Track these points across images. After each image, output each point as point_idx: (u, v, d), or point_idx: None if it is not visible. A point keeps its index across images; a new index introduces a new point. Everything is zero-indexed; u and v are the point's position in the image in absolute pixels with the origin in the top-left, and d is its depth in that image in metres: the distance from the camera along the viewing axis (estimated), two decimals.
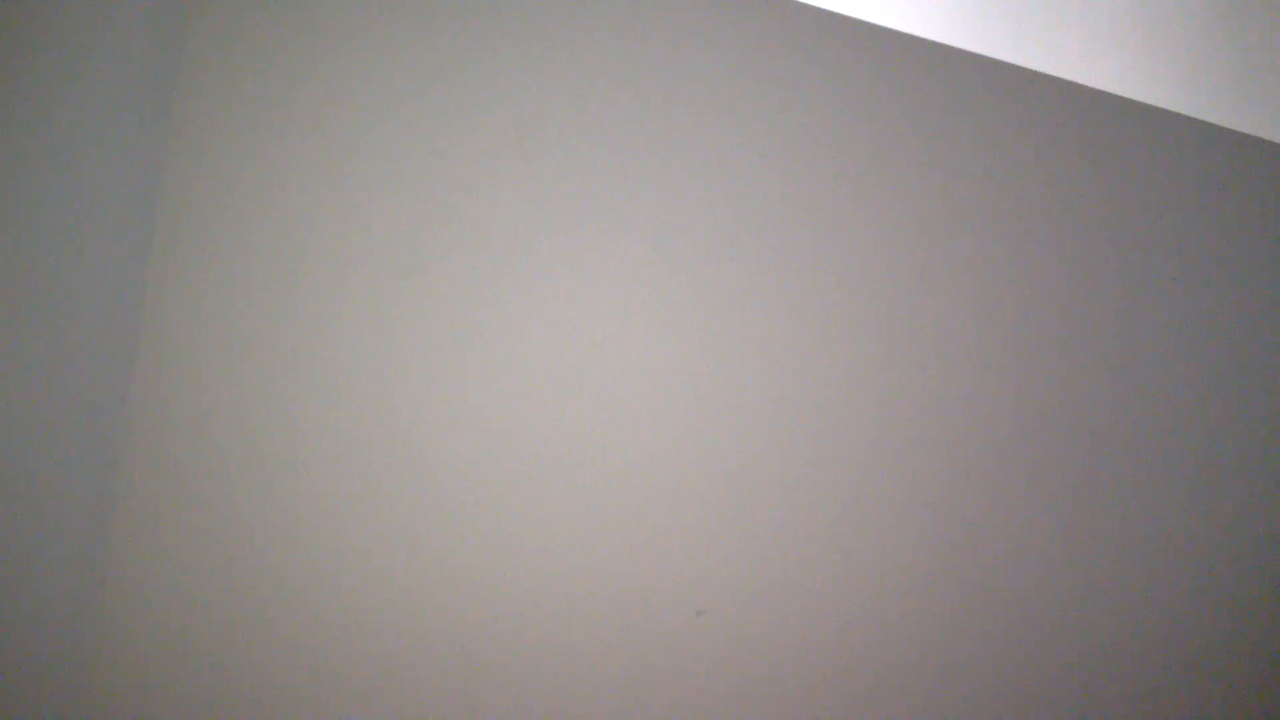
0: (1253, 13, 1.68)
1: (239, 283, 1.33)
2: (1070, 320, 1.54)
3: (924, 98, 1.50)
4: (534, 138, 1.39)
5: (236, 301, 1.33)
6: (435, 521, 1.37)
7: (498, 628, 1.39)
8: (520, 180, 1.39)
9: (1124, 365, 1.56)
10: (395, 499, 1.36)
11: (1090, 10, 1.61)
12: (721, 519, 1.45)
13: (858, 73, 1.48)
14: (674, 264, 1.43)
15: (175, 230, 1.32)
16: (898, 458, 1.50)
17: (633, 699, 1.43)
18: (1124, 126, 1.56)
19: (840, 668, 1.49)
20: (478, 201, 1.38)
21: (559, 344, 1.40)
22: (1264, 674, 1.62)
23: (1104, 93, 1.55)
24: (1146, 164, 1.57)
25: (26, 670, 1.12)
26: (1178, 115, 1.58)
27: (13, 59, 0.91)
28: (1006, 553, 1.53)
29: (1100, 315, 1.55)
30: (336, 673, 1.36)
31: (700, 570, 1.44)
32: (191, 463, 1.32)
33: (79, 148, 1.06)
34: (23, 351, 1.00)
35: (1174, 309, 1.58)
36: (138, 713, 1.31)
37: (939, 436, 1.51)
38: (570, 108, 1.40)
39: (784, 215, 1.46)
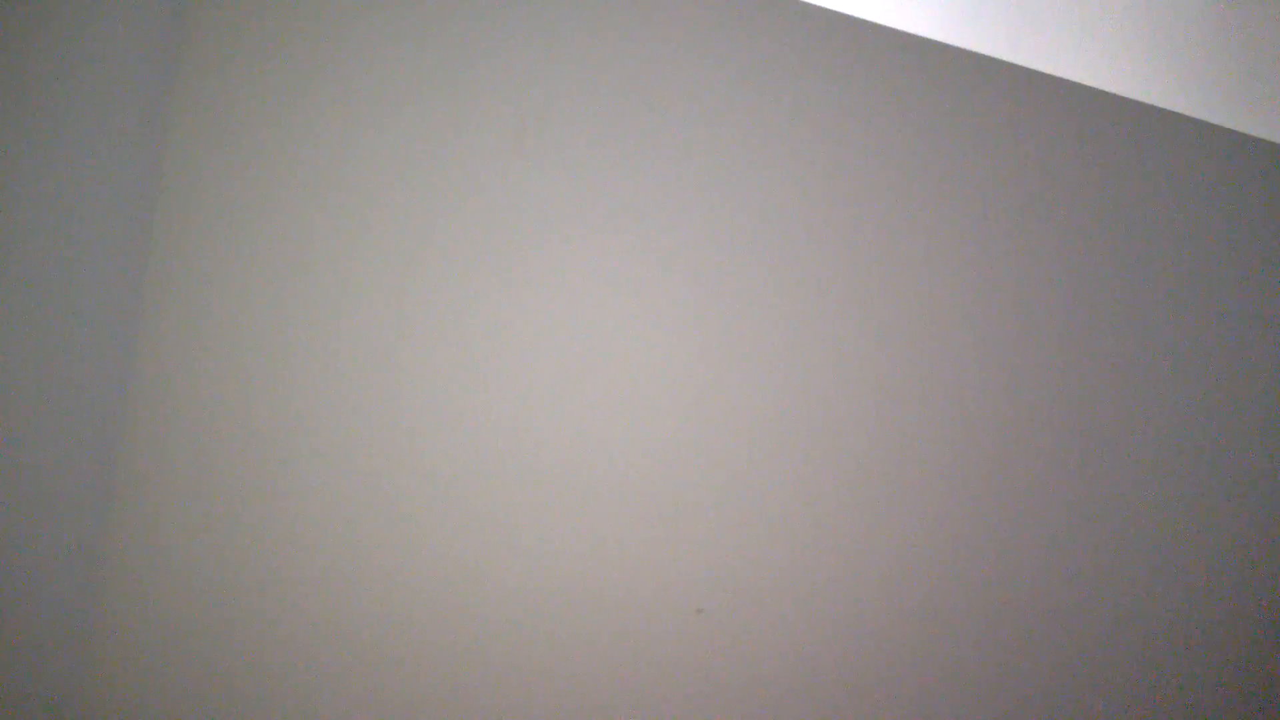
0: (1253, 13, 1.68)
1: (238, 283, 1.33)
2: (1070, 320, 1.54)
3: (922, 97, 1.50)
4: (534, 138, 1.39)
5: (236, 301, 1.33)
6: (435, 520, 1.37)
7: (496, 626, 1.39)
8: (520, 180, 1.39)
9: (1123, 365, 1.56)
10: (394, 498, 1.36)
11: (1090, 10, 1.61)
12: (721, 517, 1.45)
13: (859, 72, 1.48)
14: (673, 263, 1.43)
15: (175, 230, 1.32)
16: (898, 456, 1.50)
17: (632, 698, 1.43)
18: (1124, 126, 1.56)
19: (840, 666, 1.49)
20: (478, 201, 1.38)
21: (559, 343, 1.40)
22: (1264, 674, 1.62)
23: (1104, 92, 1.55)
24: (1146, 164, 1.56)
25: (27, 670, 1.12)
26: (1178, 115, 1.58)
27: (13, 59, 0.91)
28: (1007, 551, 1.53)
29: (1100, 315, 1.55)
30: (336, 672, 1.36)
31: (700, 569, 1.45)
32: (191, 462, 1.32)
33: (79, 148, 1.06)
34: (23, 351, 1.00)
35: (1174, 309, 1.58)
36: (137, 712, 1.31)
37: (939, 435, 1.51)
38: (570, 108, 1.40)
39: (784, 214, 1.46)
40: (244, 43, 1.32)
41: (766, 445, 1.46)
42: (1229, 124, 1.65)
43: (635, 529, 1.42)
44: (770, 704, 1.47)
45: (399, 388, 1.36)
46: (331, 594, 1.35)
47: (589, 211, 1.41)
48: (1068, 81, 1.54)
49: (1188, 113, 1.63)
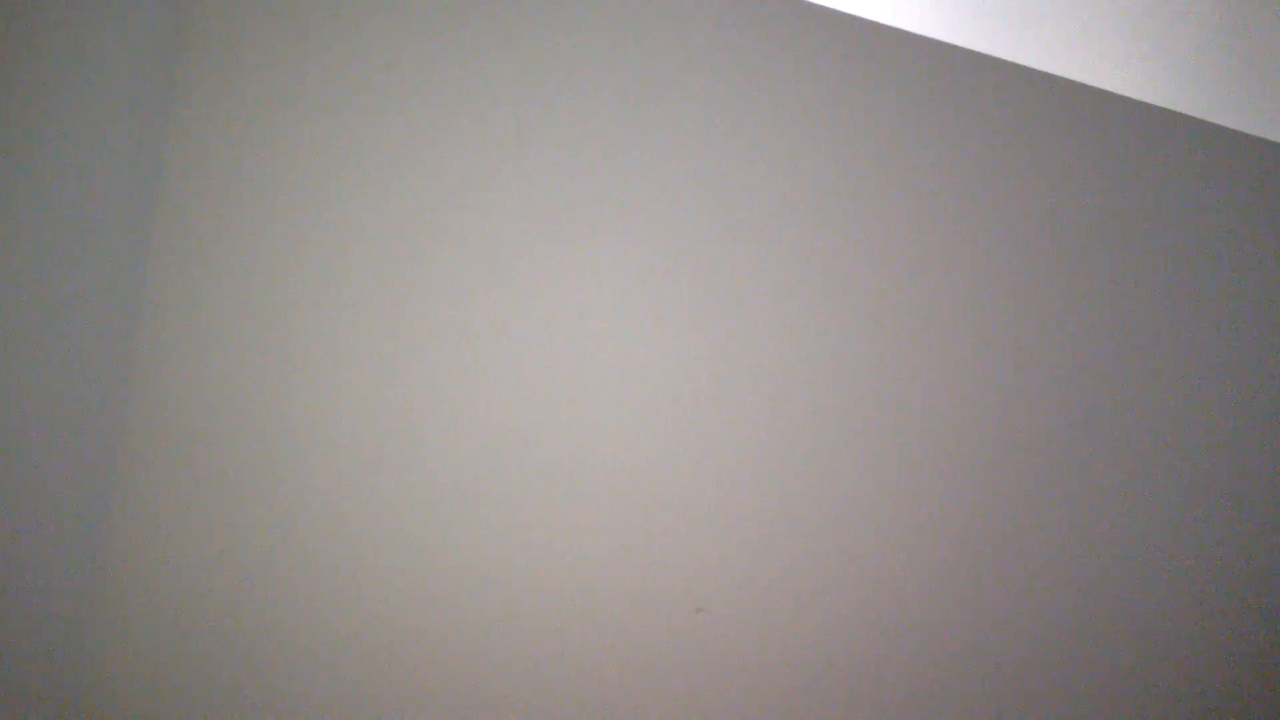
0: (1253, 12, 1.68)
1: (237, 283, 1.33)
2: (1070, 320, 1.55)
3: (922, 96, 1.50)
4: (533, 138, 1.39)
5: (235, 301, 1.33)
6: (434, 520, 1.37)
7: (496, 627, 1.39)
8: (519, 180, 1.39)
9: (1123, 365, 1.56)
10: (394, 498, 1.36)
11: (1091, 10, 1.61)
12: (720, 517, 1.45)
13: (859, 71, 1.48)
14: (673, 263, 1.43)
15: (175, 230, 1.32)
16: (896, 456, 1.50)
17: (631, 697, 1.43)
18: (1124, 126, 1.56)
19: (839, 665, 1.49)
20: (477, 202, 1.38)
21: (558, 343, 1.40)
22: (1264, 674, 1.62)
23: (1104, 92, 1.55)
24: (1146, 164, 1.56)
25: (27, 670, 1.12)
26: (1178, 115, 1.58)
27: (13, 59, 0.91)
28: (1005, 551, 1.53)
29: (1100, 315, 1.55)
30: (335, 672, 1.36)
31: (699, 568, 1.45)
32: (191, 462, 1.32)
33: (79, 148, 1.06)
34: (23, 351, 1.00)
35: (1173, 309, 1.58)
36: (137, 712, 1.31)
37: (938, 435, 1.51)
38: (570, 108, 1.40)
39: (783, 214, 1.46)
40: (244, 43, 1.32)
41: (766, 445, 1.46)
42: (1229, 124, 1.65)
43: (635, 529, 1.43)
44: (769, 703, 1.47)
45: (399, 387, 1.36)
46: (331, 593, 1.35)
47: (589, 211, 1.41)
48: (1068, 80, 1.54)
49: (1188, 112, 1.63)
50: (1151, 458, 1.57)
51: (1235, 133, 1.60)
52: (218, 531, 1.33)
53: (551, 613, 1.41)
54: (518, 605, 1.40)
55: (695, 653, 1.45)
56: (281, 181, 1.34)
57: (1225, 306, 1.60)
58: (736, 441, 1.45)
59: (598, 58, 1.41)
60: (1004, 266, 1.53)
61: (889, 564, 1.50)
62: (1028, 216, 1.53)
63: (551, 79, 1.40)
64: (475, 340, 1.38)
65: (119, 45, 1.12)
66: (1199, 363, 1.59)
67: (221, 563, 1.33)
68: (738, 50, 1.44)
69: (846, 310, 1.48)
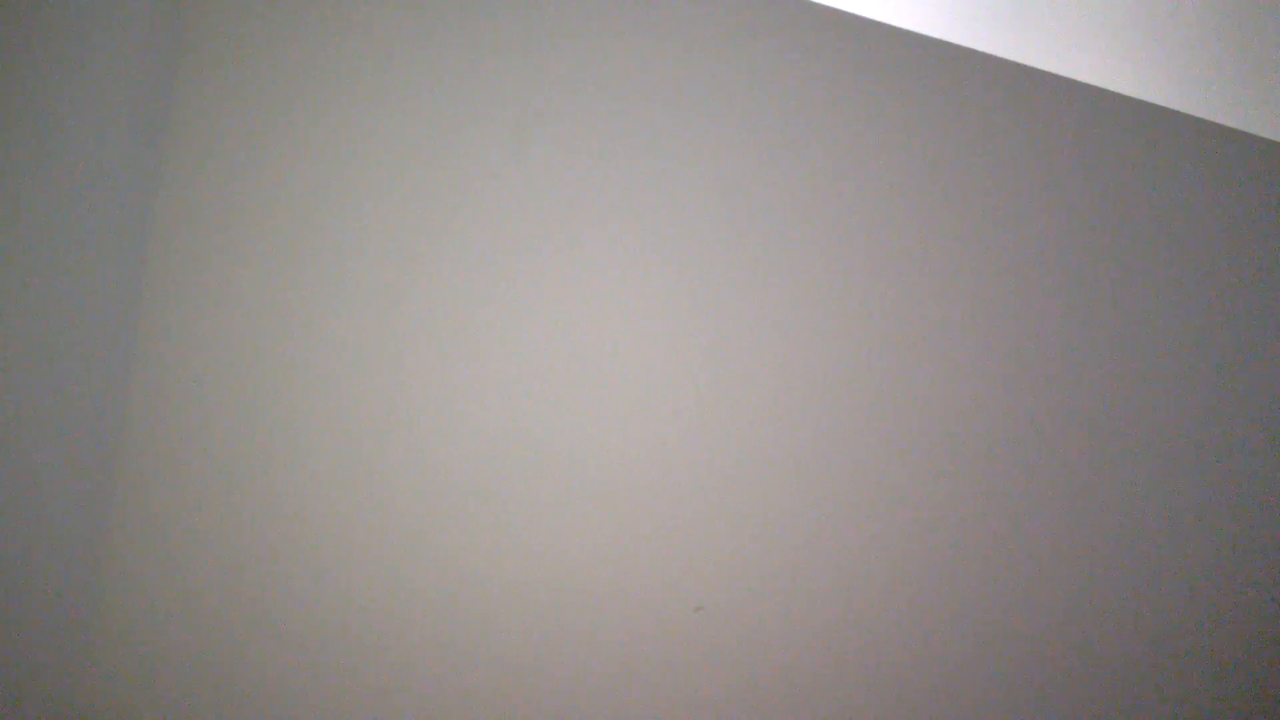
0: (1253, 11, 1.68)
1: (237, 283, 1.33)
2: (1069, 319, 1.54)
3: (922, 95, 1.50)
4: (534, 138, 1.39)
5: (234, 301, 1.33)
6: (433, 518, 1.37)
7: (496, 625, 1.39)
8: (520, 180, 1.39)
9: (1123, 365, 1.56)
10: (394, 497, 1.36)
11: (1091, 9, 1.61)
12: (720, 515, 1.45)
13: (860, 71, 1.48)
14: (672, 262, 1.43)
15: (174, 230, 1.32)
16: (896, 454, 1.50)
17: (630, 695, 1.43)
18: (1124, 125, 1.56)
19: (839, 664, 1.49)
20: (477, 201, 1.38)
21: (559, 343, 1.40)
22: (1264, 674, 1.62)
23: (1104, 91, 1.55)
24: (1146, 163, 1.56)
25: (26, 670, 1.12)
26: (1178, 114, 1.58)
27: (13, 59, 0.91)
28: (1005, 550, 1.53)
29: (1099, 314, 1.55)
30: (335, 671, 1.36)
31: (698, 566, 1.45)
32: (191, 462, 1.32)
33: (79, 148, 1.06)
34: (23, 351, 1.00)
35: (1173, 308, 1.58)
36: (137, 712, 1.31)
37: (938, 433, 1.51)
38: (570, 108, 1.40)
39: (783, 213, 1.46)
40: (244, 43, 1.32)
41: (765, 444, 1.46)
42: (1229, 123, 1.65)
43: (634, 527, 1.43)
44: (768, 701, 1.47)
45: (399, 387, 1.36)
46: (332, 593, 1.35)
47: (589, 211, 1.41)
48: (1069, 80, 1.54)
49: (1188, 112, 1.63)
50: (1151, 457, 1.57)
51: (1235, 132, 1.60)
52: (218, 531, 1.33)
53: (551, 610, 1.41)
54: (517, 603, 1.40)
55: (694, 651, 1.45)
56: (281, 181, 1.33)
57: (1225, 306, 1.60)
58: (736, 441, 1.45)
59: (598, 58, 1.41)
60: (1004, 266, 1.53)
61: (888, 563, 1.50)
62: (1028, 216, 1.53)
63: (551, 79, 1.39)
64: (475, 339, 1.38)
65: (119, 45, 1.12)
66: (1199, 363, 1.59)
67: (221, 562, 1.33)
68: (738, 50, 1.44)
69: (847, 309, 1.48)
